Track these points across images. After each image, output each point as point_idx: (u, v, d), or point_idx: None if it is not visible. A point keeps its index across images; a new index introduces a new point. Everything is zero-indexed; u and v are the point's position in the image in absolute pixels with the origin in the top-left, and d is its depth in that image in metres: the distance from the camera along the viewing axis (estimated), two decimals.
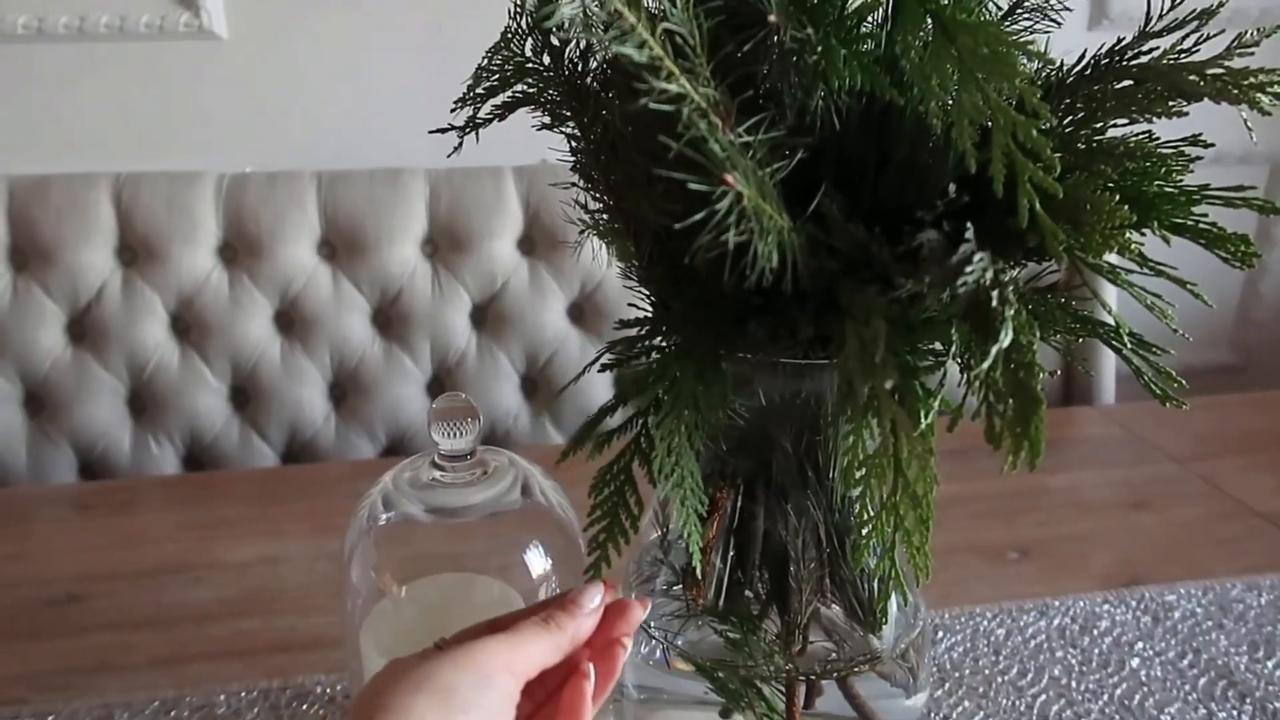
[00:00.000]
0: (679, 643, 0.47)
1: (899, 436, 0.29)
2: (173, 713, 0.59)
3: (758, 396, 0.38)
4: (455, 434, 0.43)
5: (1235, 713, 0.57)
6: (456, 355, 1.12)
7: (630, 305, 0.44)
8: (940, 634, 0.65)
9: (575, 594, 0.36)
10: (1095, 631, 0.65)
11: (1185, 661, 0.62)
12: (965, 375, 0.29)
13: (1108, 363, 1.12)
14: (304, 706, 0.59)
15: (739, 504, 0.44)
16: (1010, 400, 0.27)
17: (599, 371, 0.42)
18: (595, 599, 0.36)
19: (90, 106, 1.31)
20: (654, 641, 0.50)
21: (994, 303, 0.28)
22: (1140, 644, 0.63)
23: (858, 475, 0.32)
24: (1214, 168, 0.38)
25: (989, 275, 0.28)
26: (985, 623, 0.65)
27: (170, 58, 1.32)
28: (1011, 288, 0.28)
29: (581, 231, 0.48)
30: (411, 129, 1.39)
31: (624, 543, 0.34)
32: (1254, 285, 1.64)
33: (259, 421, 1.11)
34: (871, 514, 0.33)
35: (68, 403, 1.07)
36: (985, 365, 0.26)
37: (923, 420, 0.29)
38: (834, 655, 0.45)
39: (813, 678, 0.45)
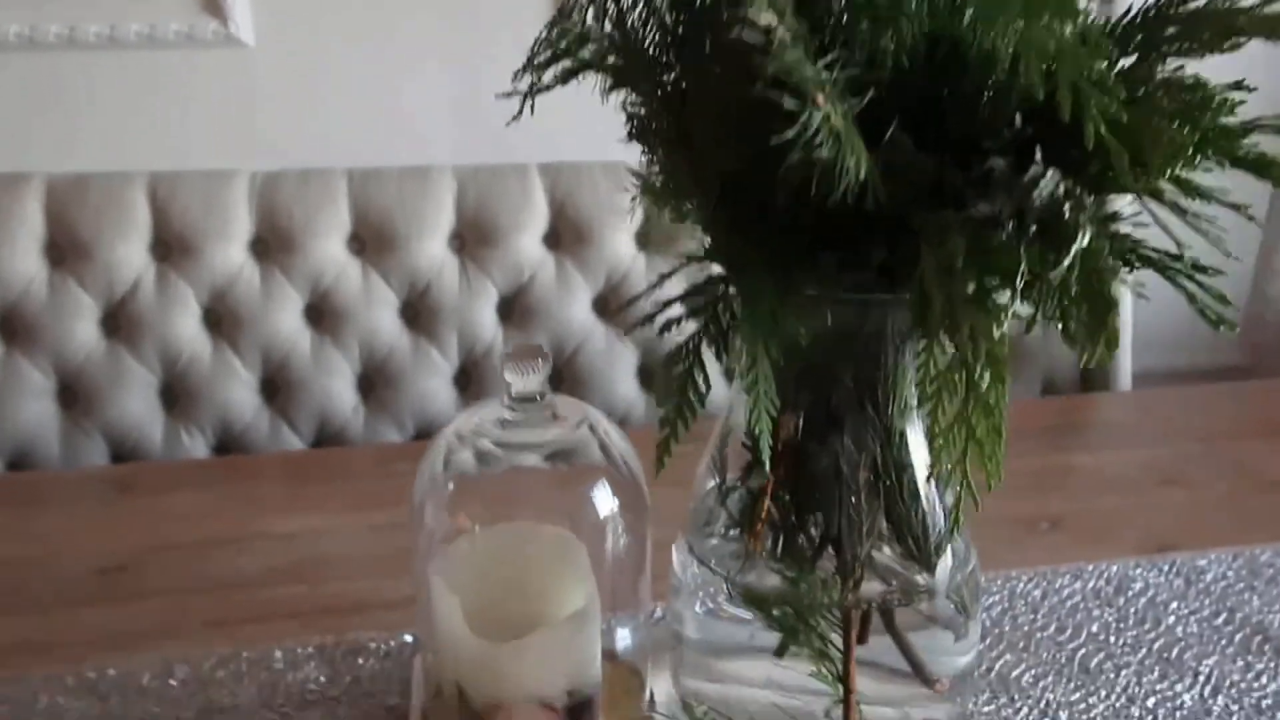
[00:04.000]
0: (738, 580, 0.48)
1: (976, 342, 0.31)
2: (230, 666, 0.60)
3: (824, 325, 0.40)
4: (526, 372, 0.44)
5: (1273, 665, 0.59)
6: (484, 348, 1.13)
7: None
8: None
9: None
10: (1130, 593, 0.66)
11: (1220, 619, 0.63)
12: (1034, 293, 0.31)
13: (1123, 354, 1.14)
14: (359, 660, 0.61)
15: (799, 445, 0.46)
16: (1084, 305, 0.29)
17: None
18: None
19: (120, 113, 1.34)
20: (703, 595, 0.51)
21: (1068, 213, 0.30)
22: (1175, 604, 0.65)
23: (930, 391, 0.34)
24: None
25: (1062, 188, 0.30)
26: (1021, 585, 0.67)
27: (199, 65, 1.35)
28: (1085, 196, 0.30)
29: (633, 199, 0.50)
30: (436, 128, 1.42)
31: (691, 418, 0.36)
32: (1261, 288, 1.67)
33: (289, 413, 1.12)
34: (942, 428, 0.35)
35: (101, 395, 1.09)
36: (1065, 263, 0.28)
37: (999, 325, 0.31)
38: (889, 590, 0.47)
39: (869, 608, 0.46)
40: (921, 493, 0.45)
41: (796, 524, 0.48)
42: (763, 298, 0.36)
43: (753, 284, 0.40)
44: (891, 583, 0.46)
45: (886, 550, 0.48)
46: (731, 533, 0.50)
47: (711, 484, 0.51)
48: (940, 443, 0.34)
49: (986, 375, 0.33)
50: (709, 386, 0.36)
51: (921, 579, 0.47)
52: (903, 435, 0.44)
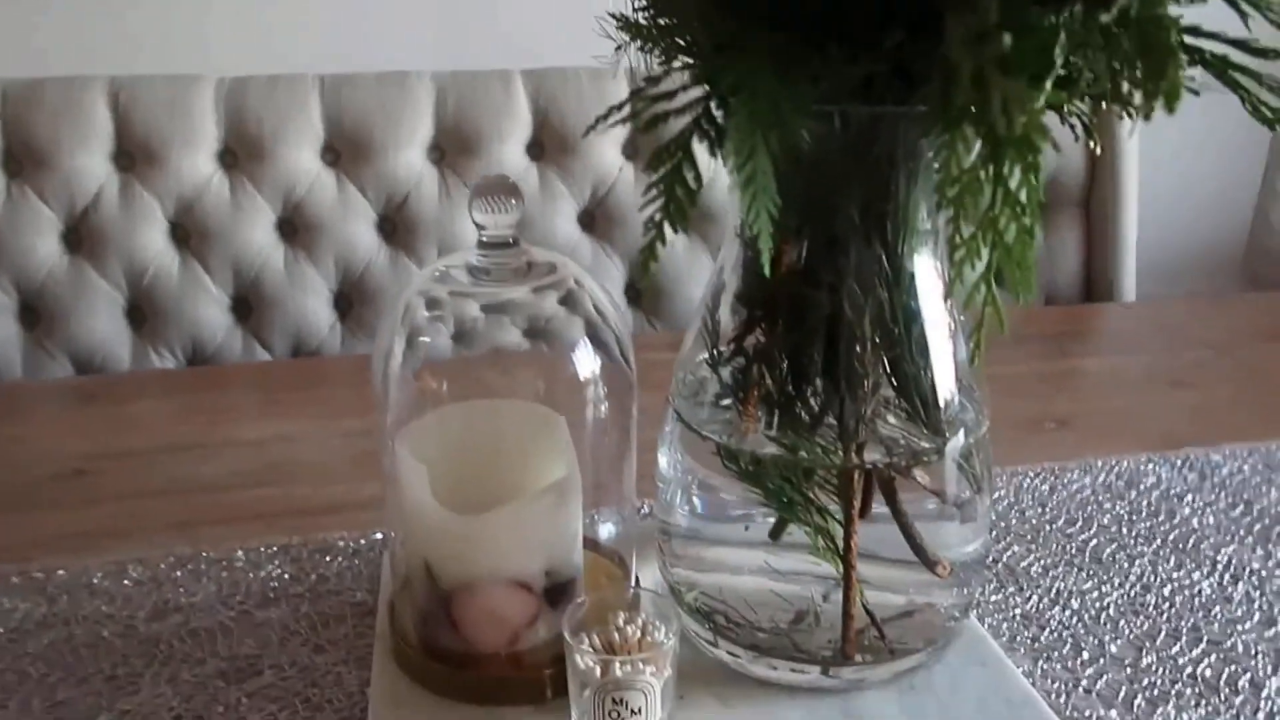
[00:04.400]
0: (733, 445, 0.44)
1: (1010, 116, 0.27)
2: (189, 566, 0.57)
3: (829, 133, 0.35)
4: (497, 209, 0.40)
5: None
6: None
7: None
8: None
9: None
10: (1142, 486, 0.63)
11: (1237, 511, 0.60)
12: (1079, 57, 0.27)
13: (1128, 270, 1.10)
14: (326, 559, 0.57)
15: (799, 289, 0.42)
16: (1140, 58, 0.25)
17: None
18: None
19: (81, 16, 1.27)
20: (688, 486, 0.47)
21: None
22: (1190, 496, 0.62)
23: (951, 194, 0.30)
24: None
25: None
26: (1028, 480, 0.64)
27: None
28: None
29: (618, 48, 0.45)
30: (414, 32, 1.35)
31: (681, 222, 0.32)
32: (1265, 215, 1.63)
33: (262, 332, 1.08)
34: (964, 237, 0.30)
35: (65, 313, 1.04)
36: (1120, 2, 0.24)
37: (1038, 95, 0.27)
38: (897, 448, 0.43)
39: (871, 473, 0.43)
40: (931, 347, 0.42)
41: (794, 394, 0.44)
42: (762, 85, 0.31)
43: (752, 71, 0.35)
44: (901, 441, 0.43)
45: (891, 419, 0.45)
46: (724, 402, 0.46)
47: (702, 356, 0.47)
48: (962, 254, 0.30)
49: (1017, 170, 0.28)
50: (699, 184, 0.32)
51: (928, 443, 0.43)
52: (912, 279, 0.40)
